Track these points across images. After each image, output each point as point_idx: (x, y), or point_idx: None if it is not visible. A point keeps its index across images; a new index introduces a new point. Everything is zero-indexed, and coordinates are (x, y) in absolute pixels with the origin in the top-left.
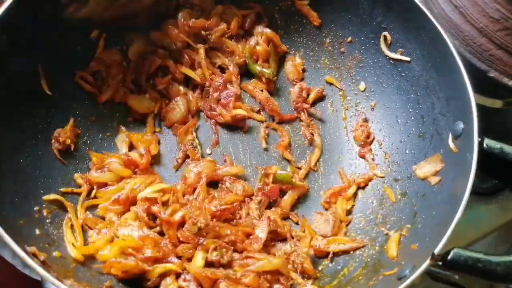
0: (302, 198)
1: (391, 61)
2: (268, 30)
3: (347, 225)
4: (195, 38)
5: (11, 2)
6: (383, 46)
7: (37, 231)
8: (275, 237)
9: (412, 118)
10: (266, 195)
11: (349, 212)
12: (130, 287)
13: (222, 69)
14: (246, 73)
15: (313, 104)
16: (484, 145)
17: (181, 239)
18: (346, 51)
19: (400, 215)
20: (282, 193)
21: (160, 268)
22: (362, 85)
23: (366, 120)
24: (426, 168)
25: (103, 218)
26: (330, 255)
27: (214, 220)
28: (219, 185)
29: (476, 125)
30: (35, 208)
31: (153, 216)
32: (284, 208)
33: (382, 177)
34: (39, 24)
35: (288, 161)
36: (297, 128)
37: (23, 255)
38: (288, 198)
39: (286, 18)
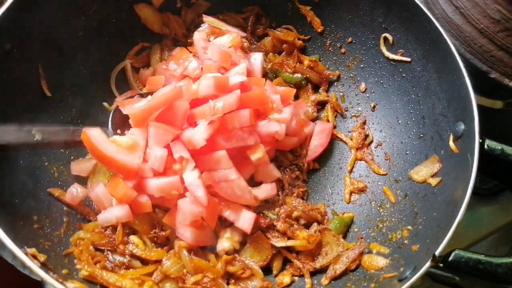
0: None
1: (391, 61)
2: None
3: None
4: None
5: (11, 2)
6: (383, 48)
7: (37, 232)
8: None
9: (413, 119)
10: None
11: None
12: None
13: None
14: None
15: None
16: (485, 146)
17: None
18: (347, 52)
19: (401, 216)
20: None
21: None
22: (362, 86)
23: (364, 123)
24: (423, 171)
25: None
26: None
27: None
28: None
29: (477, 126)
30: (35, 209)
31: None
32: None
33: (385, 174)
34: (39, 24)
35: None
36: None
37: (23, 257)
38: None
39: (286, 20)
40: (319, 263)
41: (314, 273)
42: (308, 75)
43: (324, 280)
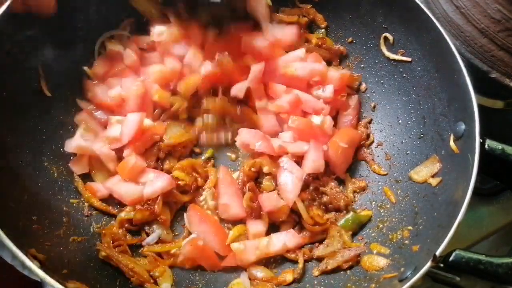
0: None
1: (392, 61)
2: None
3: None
4: None
5: (11, 2)
6: (383, 48)
7: (37, 232)
8: None
9: (413, 119)
10: None
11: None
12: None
13: None
14: None
15: None
16: (486, 146)
17: None
18: (347, 51)
19: (401, 216)
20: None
21: None
22: (362, 86)
23: (370, 122)
24: (424, 171)
25: None
26: None
27: None
28: None
29: (477, 126)
30: (35, 209)
31: None
32: None
33: (386, 174)
34: (39, 24)
35: None
36: None
37: (22, 257)
38: None
39: None
40: (319, 252)
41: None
42: (318, 53)
43: (315, 271)
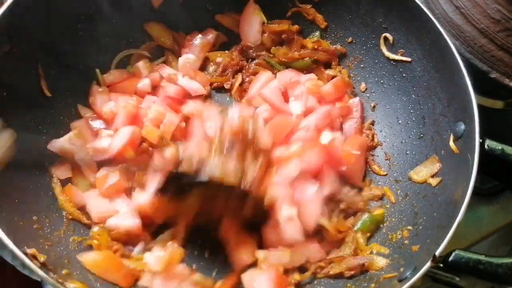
0: None
1: (392, 61)
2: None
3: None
4: None
5: (11, 2)
6: (383, 48)
7: (37, 232)
8: None
9: (413, 119)
10: None
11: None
12: None
13: None
14: None
15: None
16: (486, 146)
17: None
18: (347, 51)
19: (401, 216)
20: None
21: None
22: (362, 86)
23: (372, 123)
24: (423, 171)
25: None
26: None
27: None
28: None
29: (477, 126)
30: (35, 209)
31: None
32: None
33: (385, 175)
34: (39, 24)
35: None
36: None
37: (23, 257)
38: None
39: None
40: (331, 255)
41: None
42: (316, 57)
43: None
